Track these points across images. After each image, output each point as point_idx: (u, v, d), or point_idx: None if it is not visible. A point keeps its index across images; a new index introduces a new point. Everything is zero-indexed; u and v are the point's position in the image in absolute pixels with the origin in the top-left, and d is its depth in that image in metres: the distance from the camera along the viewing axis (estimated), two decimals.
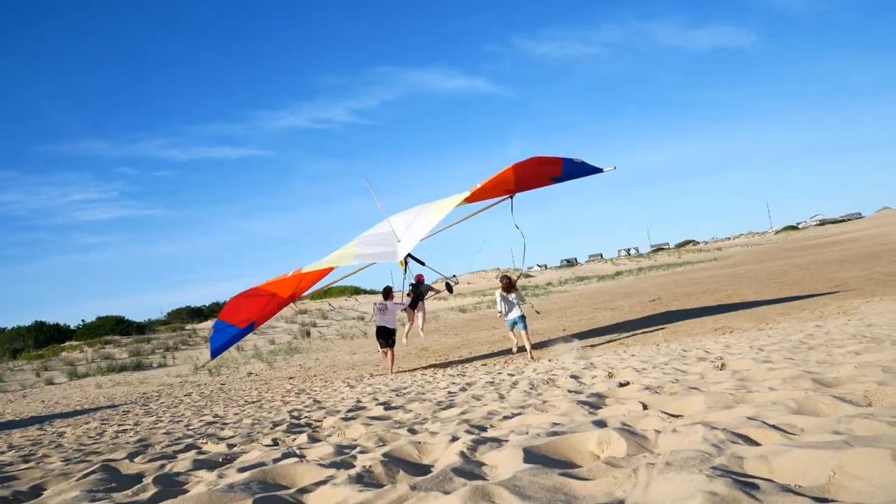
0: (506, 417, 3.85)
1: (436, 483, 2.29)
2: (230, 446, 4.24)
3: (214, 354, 12.83)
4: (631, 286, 30.42)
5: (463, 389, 6.17)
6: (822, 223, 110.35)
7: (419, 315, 12.02)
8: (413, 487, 2.24)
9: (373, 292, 36.92)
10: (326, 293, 32.42)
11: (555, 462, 2.48)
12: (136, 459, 4.03)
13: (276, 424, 5.24)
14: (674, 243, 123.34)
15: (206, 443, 4.62)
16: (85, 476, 3.37)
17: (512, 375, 6.97)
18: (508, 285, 10.18)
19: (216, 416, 7.06)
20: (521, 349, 10.23)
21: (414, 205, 12.03)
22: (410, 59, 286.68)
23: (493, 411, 4.17)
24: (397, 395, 6.61)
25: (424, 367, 11.17)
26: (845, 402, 2.73)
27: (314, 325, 27.06)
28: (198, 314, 41.73)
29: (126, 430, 6.65)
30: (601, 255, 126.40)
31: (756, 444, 2.33)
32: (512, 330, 10.37)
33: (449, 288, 12.71)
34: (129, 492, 2.88)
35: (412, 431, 3.80)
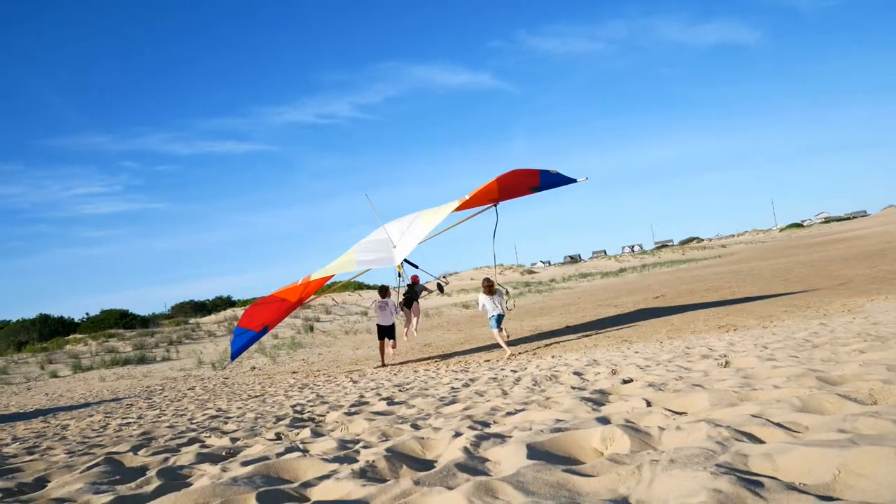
0: (509, 413, 3.85)
1: (439, 478, 2.29)
2: (234, 440, 4.25)
3: (234, 356, 14.02)
4: (635, 283, 30.37)
5: (466, 385, 6.17)
6: (827, 221, 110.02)
7: (414, 315, 13.01)
8: (416, 482, 2.24)
9: (376, 287, 37.06)
10: (329, 287, 32.65)
11: (558, 458, 2.47)
12: (140, 452, 4.05)
13: (279, 419, 5.26)
14: (678, 240, 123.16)
15: (210, 436, 4.64)
16: (89, 468, 3.38)
17: (515, 371, 6.97)
18: (489, 288, 10.73)
19: (220, 410, 7.08)
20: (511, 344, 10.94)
21: (414, 205, 12.93)
22: (414, 54, 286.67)
23: (496, 407, 4.16)
24: (400, 390, 6.62)
25: (427, 359, 11.36)
26: (850, 401, 2.72)
27: (317, 321, 27.11)
28: (201, 308, 41.94)
29: (130, 423, 6.68)
30: (605, 252, 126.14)
31: (760, 441, 2.32)
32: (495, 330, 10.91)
33: (440, 288, 13.94)
34: (132, 484, 2.88)
35: (415, 427, 3.81)
